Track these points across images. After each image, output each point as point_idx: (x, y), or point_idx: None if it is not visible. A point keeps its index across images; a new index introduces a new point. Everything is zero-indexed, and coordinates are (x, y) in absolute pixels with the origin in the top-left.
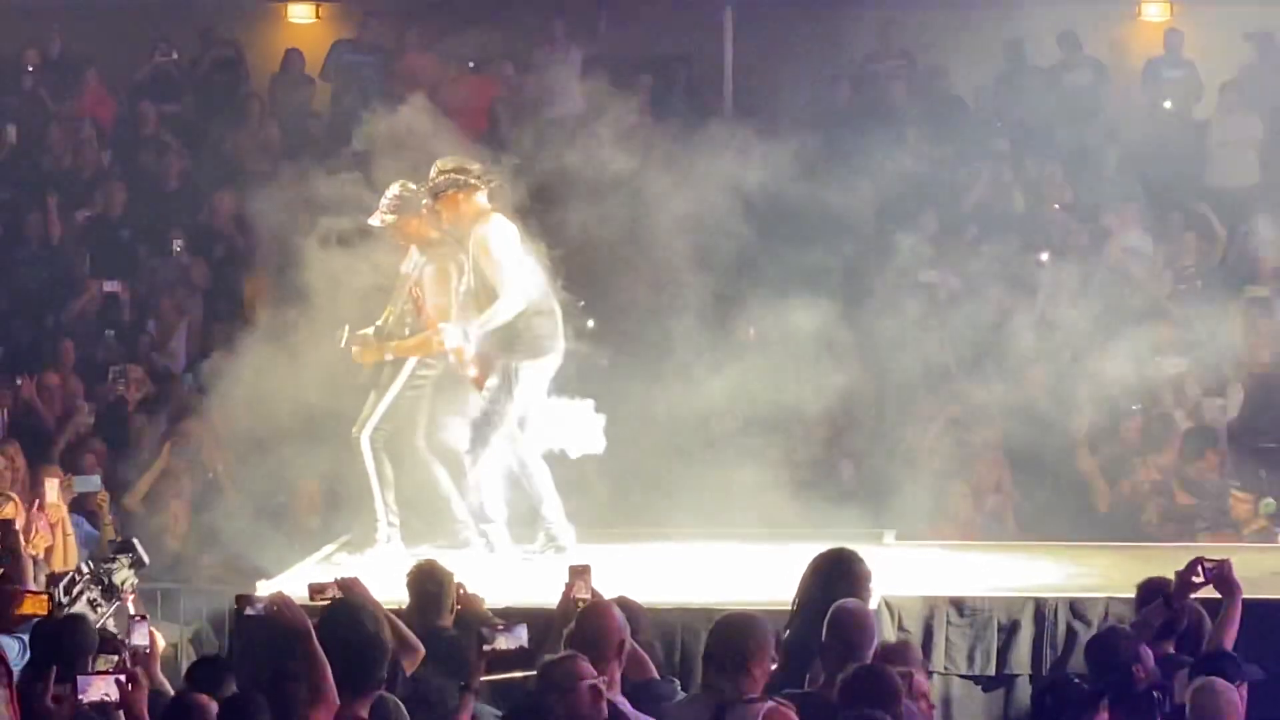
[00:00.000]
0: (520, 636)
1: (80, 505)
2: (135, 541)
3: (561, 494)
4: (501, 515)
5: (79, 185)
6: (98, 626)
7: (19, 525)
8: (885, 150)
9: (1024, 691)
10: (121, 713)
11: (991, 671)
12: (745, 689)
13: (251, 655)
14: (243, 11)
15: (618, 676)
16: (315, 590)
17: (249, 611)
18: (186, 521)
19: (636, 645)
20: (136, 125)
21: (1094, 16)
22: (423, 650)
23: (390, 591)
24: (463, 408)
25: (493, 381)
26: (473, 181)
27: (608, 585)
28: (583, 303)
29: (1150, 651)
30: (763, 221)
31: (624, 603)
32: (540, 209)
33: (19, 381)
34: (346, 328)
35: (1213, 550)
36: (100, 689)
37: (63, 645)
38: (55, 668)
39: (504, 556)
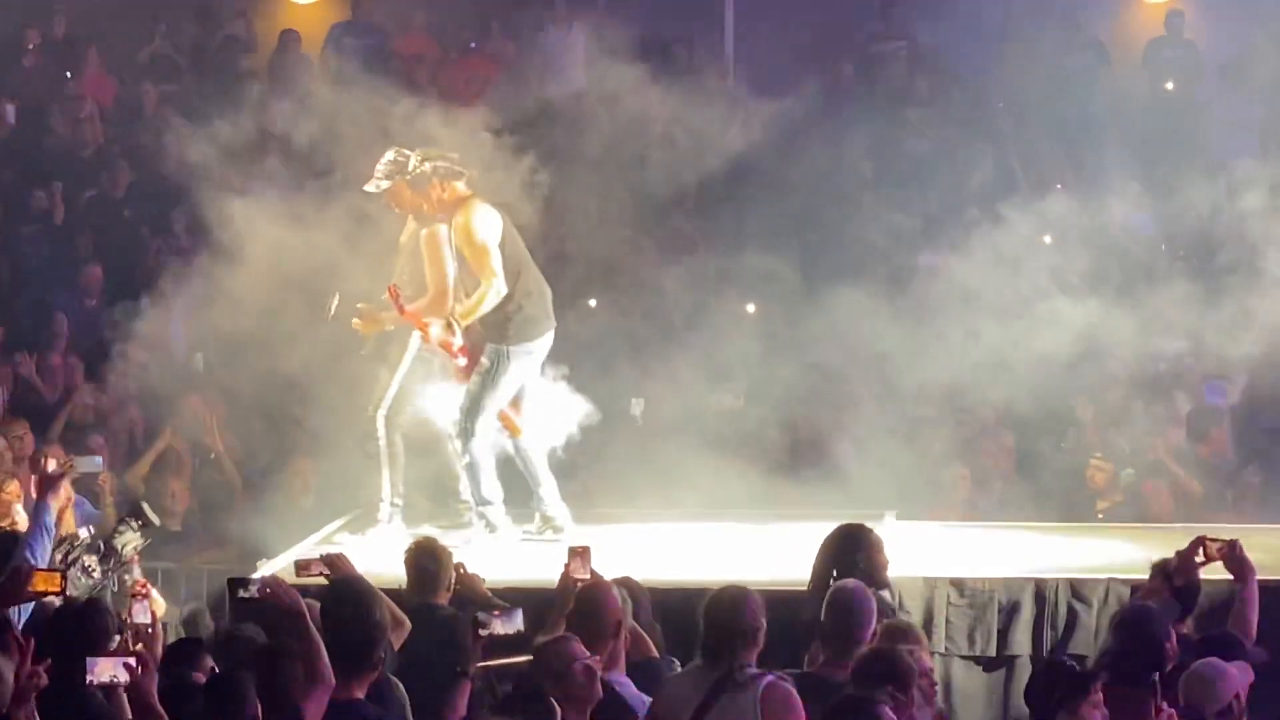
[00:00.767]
0: (516, 621)
1: (83, 486)
2: (144, 505)
3: (556, 475)
4: (499, 496)
5: (80, 165)
6: (95, 595)
7: (22, 505)
8: (887, 130)
9: (1024, 672)
10: (125, 696)
11: (992, 652)
12: (741, 663)
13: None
14: None
15: (620, 655)
16: (301, 567)
17: (242, 594)
18: (185, 500)
19: (636, 625)
20: (139, 106)
21: None
22: (409, 625)
23: (390, 571)
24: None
25: (483, 365)
26: (454, 170)
27: (608, 565)
28: (593, 301)
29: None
30: (762, 200)
31: (626, 583)
32: (542, 186)
33: (17, 359)
34: (336, 297)
35: (1221, 531)
36: (109, 670)
37: (78, 633)
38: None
39: (504, 537)
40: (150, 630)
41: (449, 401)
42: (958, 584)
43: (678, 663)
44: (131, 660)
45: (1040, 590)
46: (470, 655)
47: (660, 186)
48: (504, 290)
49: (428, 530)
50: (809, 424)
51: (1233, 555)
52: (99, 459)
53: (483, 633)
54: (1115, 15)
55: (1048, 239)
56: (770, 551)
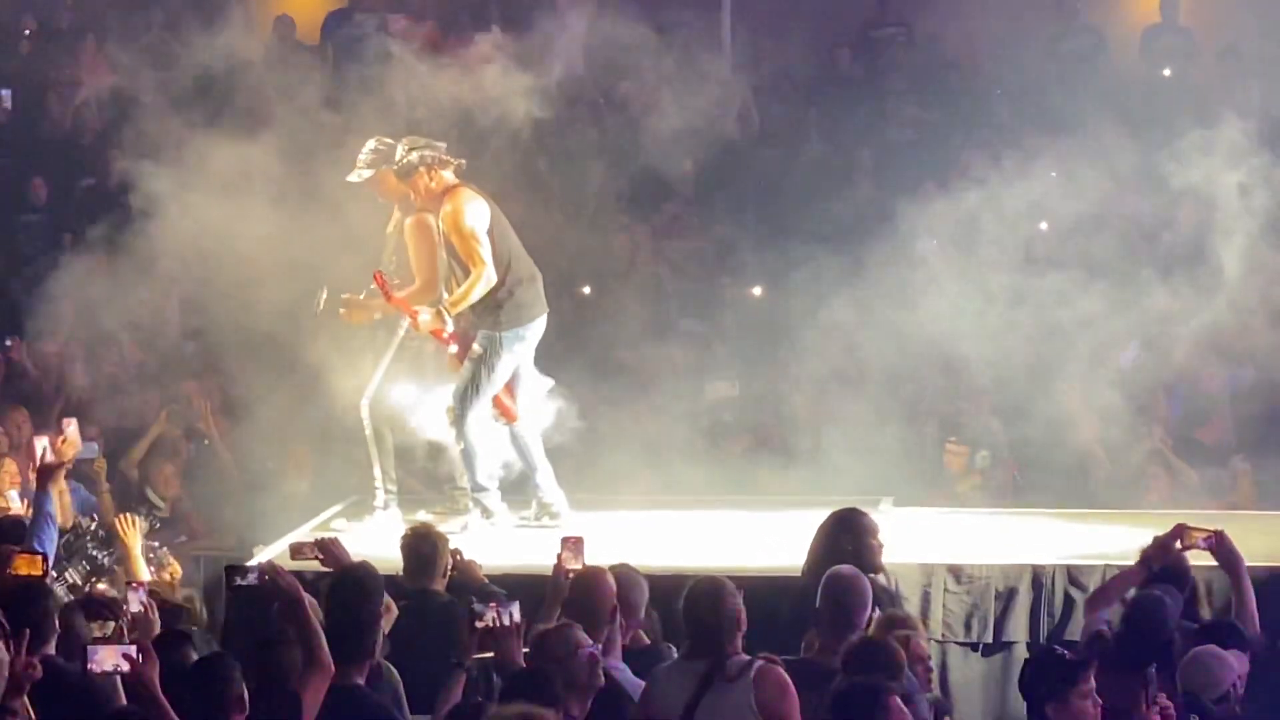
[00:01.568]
0: (513, 612)
1: (78, 473)
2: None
3: (552, 461)
4: (494, 483)
5: (77, 152)
6: (97, 587)
7: (18, 489)
8: (884, 117)
9: (1021, 658)
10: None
11: (989, 639)
12: (729, 653)
13: (246, 625)
14: None
15: (617, 641)
16: (295, 551)
17: (239, 582)
18: (176, 487)
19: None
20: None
21: None
22: (395, 610)
23: (386, 556)
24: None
25: (476, 351)
26: (442, 159)
27: (603, 552)
28: (587, 289)
29: None
30: (763, 186)
31: (623, 570)
32: (542, 171)
33: (8, 343)
34: (324, 290)
35: (1216, 519)
36: (110, 660)
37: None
38: (28, 632)
39: (501, 524)
40: (147, 617)
41: (438, 393)
42: (955, 570)
43: (675, 650)
44: (132, 650)
45: (1037, 577)
46: (466, 647)
47: (656, 171)
48: (493, 279)
49: (424, 516)
50: (805, 410)
51: (1221, 547)
52: (95, 445)
53: (478, 624)
54: (1112, 1)
55: (1044, 225)
56: (766, 538)
